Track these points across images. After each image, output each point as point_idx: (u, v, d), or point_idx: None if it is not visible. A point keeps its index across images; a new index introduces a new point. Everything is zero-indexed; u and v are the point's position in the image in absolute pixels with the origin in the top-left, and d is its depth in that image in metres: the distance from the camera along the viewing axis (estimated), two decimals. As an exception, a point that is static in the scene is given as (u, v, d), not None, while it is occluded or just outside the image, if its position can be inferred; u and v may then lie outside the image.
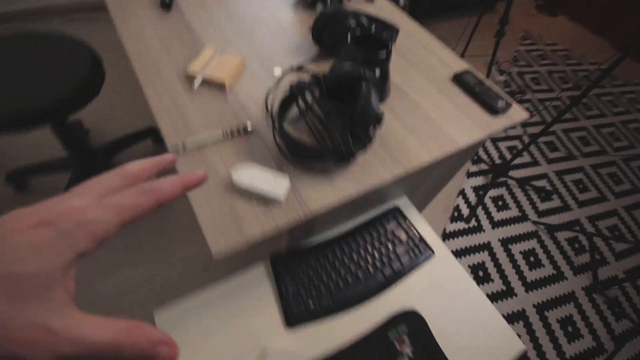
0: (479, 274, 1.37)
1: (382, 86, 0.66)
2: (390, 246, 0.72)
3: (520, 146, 1.88)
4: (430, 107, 0.68)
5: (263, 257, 0.67)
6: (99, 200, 0.17)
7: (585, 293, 1.39)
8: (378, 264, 0.69)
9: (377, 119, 0.53)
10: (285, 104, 0.57)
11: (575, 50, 2.70)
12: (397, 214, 0.78)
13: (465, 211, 1.54)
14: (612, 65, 1.06)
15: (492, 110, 0.69)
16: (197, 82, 0.60)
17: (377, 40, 0.64)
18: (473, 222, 1.51)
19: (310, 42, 0.75)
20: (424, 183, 0.82)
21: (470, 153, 0.81)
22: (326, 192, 0.52)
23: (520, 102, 2.10)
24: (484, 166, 1.72)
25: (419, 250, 0.73)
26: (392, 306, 0.65)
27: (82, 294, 1.11)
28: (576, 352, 1.24)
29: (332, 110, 0.51)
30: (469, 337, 0.64)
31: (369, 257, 0.70)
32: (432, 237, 0.76)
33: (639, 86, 2.56)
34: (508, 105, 0.70)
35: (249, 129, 0.56)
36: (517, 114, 0.71)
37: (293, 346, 0.59)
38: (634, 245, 1.58)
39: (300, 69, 0.66)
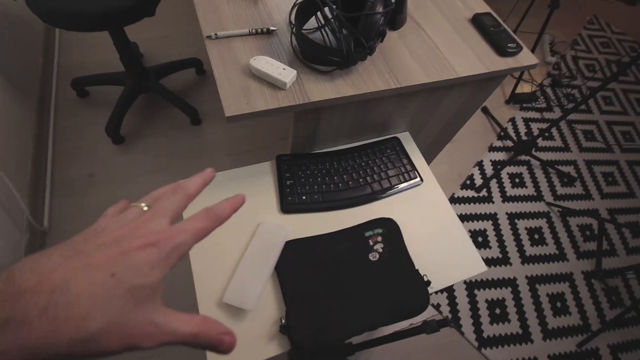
0: (478, 239, 1.41)
1: (398, 13, 0.71)
2: (383, 167, 0.80)
3: (554, 131, 1.82)
4: (440, 40, 0.73)
5: (271, 158, 0.78)
6: (172, 220, 0.24)
7: (584, 277, 1.40)
8: (369, 179, 0.78)
9: (379, 32, 0.60)
10: (305, 13, 0.64)
11: (647, 42, 2.45)
12: (395, 142, 0.85)
13: (478, 181, 1.56)
14: None
15: (501, 50, 0.72)
16: (234, -13, 0.69)
17: (400, -33, 0.68)
18: (484, 193, 1.53)
19: (342, -31, 0.80)
20: (427, 122, 0.88)
21: (476, 99, 0.85)
22: (326, 89, 0.60)
23: (567, 86, 2.00)
24: (509, 143, 1.70)
25: (409, 176, 0.80)
26: (374, 215, 0.74)
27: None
28: (559, 326, 1.28)
29: (341, 17, 0.59)
30: (436, 251, 0.72)
31: (361, 172, 0.78)
32: (425, 170, 0.83)
33: None
34: (518, 48, 0.73)
35: (272, 28, 0.65)
36: (527, 58, 0.73)
37: (283, 223, 0.70)
38: (652, 245, 1.53)
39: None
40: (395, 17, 0.72)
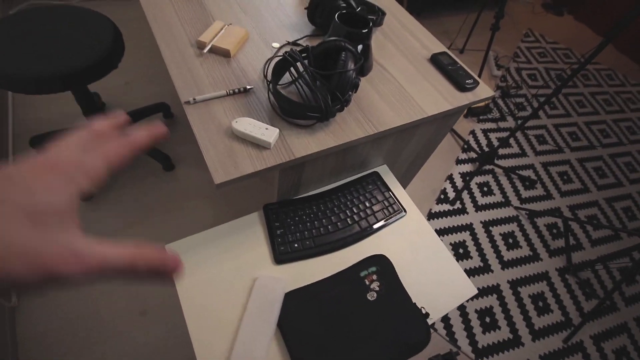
0: (459, 251, 1.47)
1: (365, 61, 0.76)
2: (367, 204, 0.83)
3: (511, 138, 1.97)
4: (405, 82, 0.79)
5: (258, 208, 0.78)
6: (84, 152, 0.21)
7: (559, 274, 1.49)
8: (356, 217, 0.80)
9: (354, 85, 0.64)
10: (279, 70, 0.67)
11: (577, 50, 2.76)
12: (375, 177, 0.88)
13: (451, 194, 1.64)
14: (595, 52, 1.14)
15: (461, 87, 0.79)
16: (206, 48, 0.71)
17: (361, 19, 0.74)
18: (458, 205, 1.61)
19: (307, 21, 0.85)
20: (402, 153, 0.92)
21: (444, 129, 0.91)
22: (309, 143, 0.63)
23: (515, 96, 2.18)
24: (473, 155, 1.81)
25: (393, 209, 0.83)
26: (366, 253, 0.76)
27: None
28: (545, 325, 1.35)
29: (316, 74, 0.62)
30: (428, 280, 0.75)
31: (348, 211, 0.81)
32: (406, 200, 0.87)
33: (636, 87, 2.62)
34: (476, 84, 0.80)
35: (248, 87, 0.67)
36: (484, 91, 0.81)
37: (280, 276, 0.70)
38: (612, 234, 1.67)
39: (294, 43, 0.77)
40: (363, 66, 0.77)
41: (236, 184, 1.46)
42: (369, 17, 0.86)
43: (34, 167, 0.19)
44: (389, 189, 0.87)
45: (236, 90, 0.67)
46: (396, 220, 0.82)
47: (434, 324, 1.27)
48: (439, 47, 0.89)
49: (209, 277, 0.67)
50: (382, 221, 0.81)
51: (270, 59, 0.65)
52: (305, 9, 0.84)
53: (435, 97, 0.77)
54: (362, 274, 0.73)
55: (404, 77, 0.80)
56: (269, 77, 0.64)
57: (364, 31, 0.71)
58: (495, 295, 1.38)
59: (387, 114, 0.71)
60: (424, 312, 0.69)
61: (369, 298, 0.70)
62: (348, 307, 0.68)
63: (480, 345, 1.25)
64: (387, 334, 0.66)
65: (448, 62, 0.84)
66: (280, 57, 0.65)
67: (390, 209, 0.83)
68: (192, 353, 0.59)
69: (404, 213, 0.84)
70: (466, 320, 1.30)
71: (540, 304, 1.40)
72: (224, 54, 0.73)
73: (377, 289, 0.71)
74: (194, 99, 0.63)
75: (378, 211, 0.82)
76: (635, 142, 2.18)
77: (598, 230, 1.68)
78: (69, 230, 0.18)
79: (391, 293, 0.71)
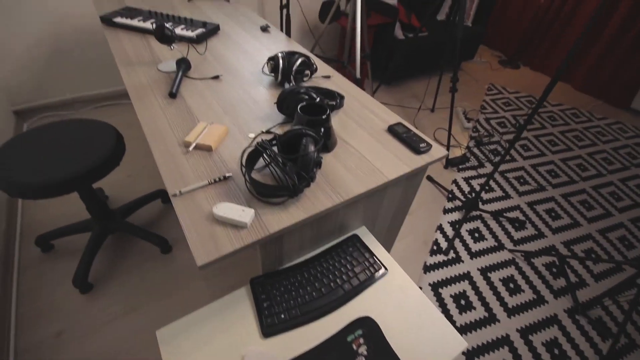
0: (461, 303, 1.45)
1: (328, 140, 0.88)
2: (349, 266, 0.87)
3: (491, 182, 2.06)
4: (366, 152, 0.89)
5: (245, 282, 0.83)
6: None
7: (568, 315, 1.45)
8: (339, 281, 0.84)
9: (316, 163, 0.74)
10: (254, 157, 0.78)
11: (538, 95, 3.01)
12: (355, 240, 0.94)
13: (443, 244, 1.66)
14: (547, 89, 1.29)
15: (416, 151, 0.90)
16: (191, 147, 0.83)
17: (320, 107, 0.88)
18: (452, 254, 1.63)
19: (277, 112, 1.00)
20: (378, 215, 1.00)
21: (411, 189, 1.00)
22: (282, 218, 0.70)
23: (488, 144, 2.33)
24: (459, 203, 1.88)
25: (375, 269, 0.88)
26: (351, 315, 0.78)
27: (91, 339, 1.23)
28: (565, 375, 1.27)
29: (284, 158, 0.72)
30: (416, 337, 0.76)
31: (331, 276, 0.85)
32: (387, 258, 0.91)
33: (603, 120, 2.80)
34: (429, 146, 0.91)
35: (227, 175, 0.77)
36: (438, 152, 0.91)
37: (267, 350, 0.72)
38: (614, 266, 1.66)
39: (267, 132, 0.90)
40: (327, 143, 0.88)
41: (221, 262, 1.50)
42: (330, 103, 1.02)
43: None
44: (369, 250, 0.92)
45: (217, 179, 0.77)
46: (379, 279, 0.86)
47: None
48: (394, 118, 1.02)
49: (200, 358, 0.68)
50: (365, 282, 0.84)
51: (245, 150, 0.76)
52: (274, 103, 0.99)
53: (395, 162, 0.87)
54: (349, 338, 0.74)
55: (366, 148, 0.91)
56: (244, 165, 0.75)
57: (323, 117, 0.84)
58: (507, 348, 1.32)
59: (352, 183, 0.80)
60: (414, 373, 0.69)
61: (358, 363, 0.70)
62: (338, 375, 0.68)
63: (500, 407, 1.17)
64: (379, 400, 0.65)
65: (403, 131, 0.96)
66: (253, 148, 0.76)
67: (372, 269, 0.87)
68: None
69: (385, 271, 0.87)
70: (480, 379, 1.23)
71: (556, 351, 1.33)
72: (207, 149, 0.85)
73: (365, 353, 0.72)
74: (180, 192, 0.73)
75: (360, 272, 0.86)
76: (614, 171, 2.27)
77: (598, 264, 1.66)
78: None
79: (379, 356, 0.72)
